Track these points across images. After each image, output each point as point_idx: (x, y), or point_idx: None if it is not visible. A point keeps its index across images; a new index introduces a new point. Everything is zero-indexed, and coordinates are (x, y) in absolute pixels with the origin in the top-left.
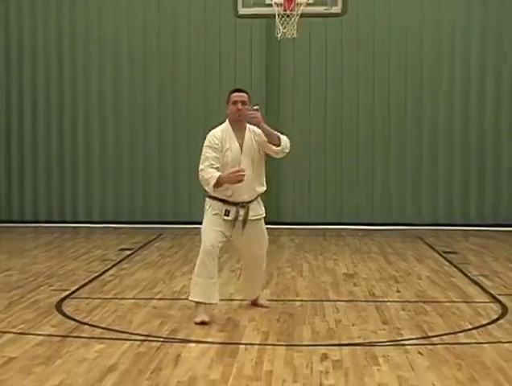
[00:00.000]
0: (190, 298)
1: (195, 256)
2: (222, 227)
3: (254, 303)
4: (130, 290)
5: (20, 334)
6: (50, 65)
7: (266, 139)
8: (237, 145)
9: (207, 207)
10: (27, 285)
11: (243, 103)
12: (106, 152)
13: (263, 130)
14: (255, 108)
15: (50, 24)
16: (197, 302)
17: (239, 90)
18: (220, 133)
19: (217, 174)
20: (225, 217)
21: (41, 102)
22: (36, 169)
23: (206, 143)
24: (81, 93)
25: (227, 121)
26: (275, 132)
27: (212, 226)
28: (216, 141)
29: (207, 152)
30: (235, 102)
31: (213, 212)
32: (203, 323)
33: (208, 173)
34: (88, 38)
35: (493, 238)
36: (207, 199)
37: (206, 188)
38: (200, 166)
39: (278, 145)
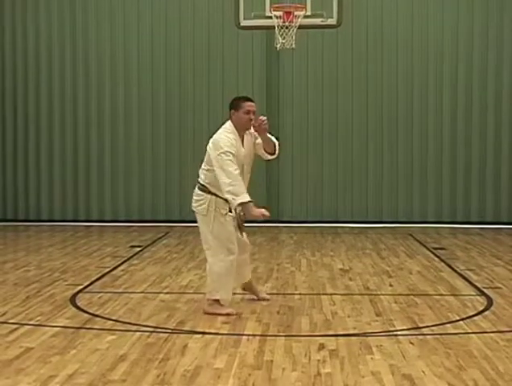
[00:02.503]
0: (219, 297)
1: (200, 253)
2: (232, 225)
3: (248, 287)
4: (139, 285)
5: (37, 325)
6: (64, 68)
7: (263, 145)
8: (242, 150)
9: (212, 208)
10: (43, 280)
11: (254, 113)
12: (117, 156)
13: (265, 138)
14: (265, 118)
15: (65, 27)
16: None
17: (250, 100)
18: (233, 138)
19: (248, 199)
20: (230, 214)
21: (56, 105)
22: (52, 171)
23: (226, 148)
24: (94, 98)
25: (232, 125)
26: (273, 139)
27: (229, 226)
28: (234, 148)
29: (230, 156)
30: (248, 112)
31: (223, 212)
32: (230, 314)
33: (242, 188)
34: (101, 46)
35: (479, 235)
36: (207, 196)
37: (225, 194)
38: (230, 169)
39: (273, 153)
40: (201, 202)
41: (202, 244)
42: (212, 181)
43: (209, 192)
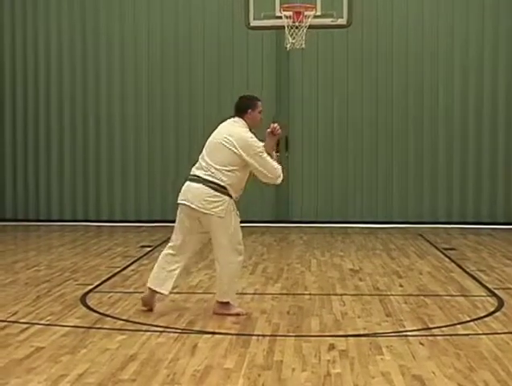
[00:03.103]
0: (229, 298)
1: (210, 253)
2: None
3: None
4: None
5: (47, 325)
6: (75, 69)
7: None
8: None
9: (229, 209)
10: (54, 279)
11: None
12: (127, 156)
13: (270, 145)
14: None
15: (75, 27)
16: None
17: (259, 100)
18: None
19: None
20: (237, 213)
21: (66, 108)
22: (62, 172)
23: (260, 147)
24: (104, 100)
25: (246, 124)
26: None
27: (239, 226)
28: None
29: (265, 154)
30: (261, 111)
31: (237, 212)
32: (240, 314)
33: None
34: (110, 45)
35: (490, 235)
36: (225, 198)
37: (278, 180)
38: (273, 164)
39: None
40: (218, 203)
41: (214, 246)
42: (234, 182)
43: (227, 194)
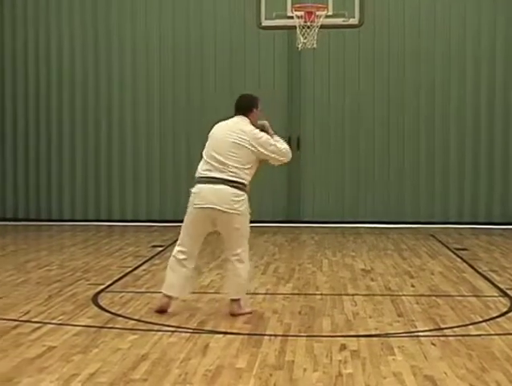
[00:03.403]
0: (244, 297)
1: (221, 253)
2: None
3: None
4: (161, 284)
5: (59, 325)
6: (87, 74)
7: None
8: None
9: (247, 205)
10: (66, 279)
11: None
12: (139, 157)
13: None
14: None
15: (87, 32)
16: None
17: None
18: None
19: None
20: None
21: (78, 107)
22: (74, 172)
23: (267, 137)
24: (116, 100)
25: (250, 122)
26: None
27: None
28: None
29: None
30: (261, 110)
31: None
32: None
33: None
34: (122, 50)
35: (502, 235)
36: (246, 196)
37: (280, 162)
38: (284, 148)
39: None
40: (242, 202)
41: (233, 244)
42: (250, 179)
43: (246, 191)
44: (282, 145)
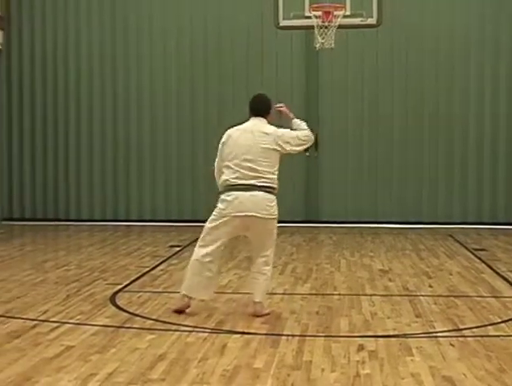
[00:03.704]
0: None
1: (239, 253)
2: None
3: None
4: (178, 284)
5: (77, 324)
6: (104, 67)
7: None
8: None
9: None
10: (84, 279)
11: None
12: (156, 156)
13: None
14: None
15: (105, 29)
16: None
17: None
18: None
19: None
20: None
21: (96, 107)
22: (92, 172)
23: (291, 132)
24: (133, 99)
25: (268, 123)
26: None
27: None
28: None
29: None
30: None
31: None
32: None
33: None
34: (141, 44)
35: None
36: (276, 199)
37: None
38: (304, 130)
39: None
40: (275, 206)
41: (263, 248)
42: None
43: (276, 194)
44: (303, 132)
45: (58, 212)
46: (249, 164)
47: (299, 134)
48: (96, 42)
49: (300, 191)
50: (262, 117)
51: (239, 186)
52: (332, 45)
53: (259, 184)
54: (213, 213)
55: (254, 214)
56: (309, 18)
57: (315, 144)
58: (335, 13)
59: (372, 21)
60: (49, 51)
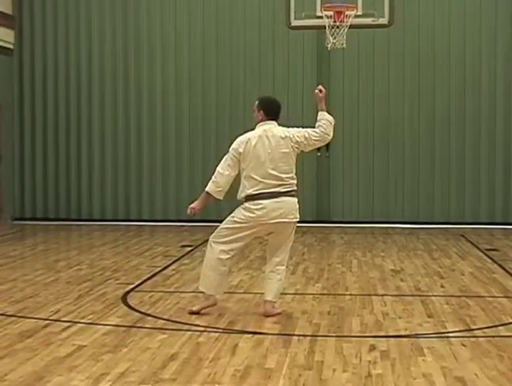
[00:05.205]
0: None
1: (250, 253)
2: None
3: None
4: (190, 284)
5: (89, 324)
6: (116, 66)
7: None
8: None
9: None
10: (95, 278)
11: None
12: (168, 157)
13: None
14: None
15: (116, 23)
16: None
17: None
18: None
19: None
20: None
21: (108, 107)
22: (104, 172)
23: (301, 130)
24: (145, 100)
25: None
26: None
27: None
28: None
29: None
30: None
31: None
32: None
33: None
34: (151, 49)
35: None
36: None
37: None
38: (326, 125)
39: None
40: (298, 208)
41: (282, 249)
42: None
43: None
44: (316, 130)
45: (70, 212)
46: (272, 172)
47: (310, 132)
48: (108, 40)
49: (312, 191)
50: (275, 120)
51: (265, 195)
52: (344, 45)
53: (284, 190)
54: (237, 216)
55: (282, 220)
56: (321, 18)
57: (327, 144)
58: (346, 13)
59: (383, 21)
60: (60, 50)
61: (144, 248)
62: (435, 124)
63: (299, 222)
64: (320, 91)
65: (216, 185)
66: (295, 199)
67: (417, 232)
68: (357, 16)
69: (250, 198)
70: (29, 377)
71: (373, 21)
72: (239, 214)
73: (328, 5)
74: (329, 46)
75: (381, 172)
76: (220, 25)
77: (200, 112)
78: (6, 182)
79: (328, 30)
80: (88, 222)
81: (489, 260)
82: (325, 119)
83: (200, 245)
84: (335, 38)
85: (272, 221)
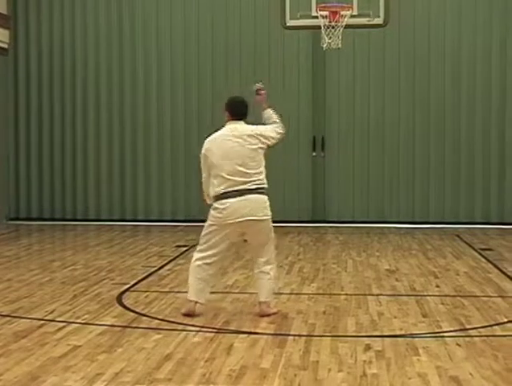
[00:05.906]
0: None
1: (246, 253)
2: None
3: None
4: (185, 284)
5: (84, 324)
6: (112, 68)
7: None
8: None
9: None
10: (91, 278)
11: None
12: (163, 156)
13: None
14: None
15: (111, 22)
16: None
17: None
18: None
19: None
20: None
21: (103, 107)
22: (99, 172)
23: (268, 127)
24: (140, 99)
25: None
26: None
27: None
28: None
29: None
30: None
31: None
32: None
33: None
34: (147, 46)
35: None
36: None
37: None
38: (277, 122)
39: None
40: (268, 206)
41: (263, 249)
42: None
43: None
44: (278, 125)
45: (65, 212)
46: (239, 168)
47: (275, 127)
48: (103, 41)
49: (307, 191)
50: (242, 120)
51: (231, 193)
52: (339, 45)
53: (251, 187)
54: (209, 219)
55: (250, 218)
56: (316, 18)
57: (322, 144)
58: (342, 13)
59: (379, 21)
60: (56, 50)
61: (139, 248)
62: (429, 124)
63: (294, 221)
64: (260, 93)
65: (204, 191)
66: (265, 197)
67: (412, 231)
68: (352, 16)
69: (218, 197)
70: (24, 377)
71: (368, 21)
72: (210, 216)
73: (324, 5)
74: (325, 46)
75: (377, 172)
76: (215, 25)
77: (195, 113)
78: (0, 182)
79: (323, 31)
80: (84, 222)
81: (484, 260)
82: (273, 113)
83: (194, 245)
84: (330, 38)
85: (239, 220)
